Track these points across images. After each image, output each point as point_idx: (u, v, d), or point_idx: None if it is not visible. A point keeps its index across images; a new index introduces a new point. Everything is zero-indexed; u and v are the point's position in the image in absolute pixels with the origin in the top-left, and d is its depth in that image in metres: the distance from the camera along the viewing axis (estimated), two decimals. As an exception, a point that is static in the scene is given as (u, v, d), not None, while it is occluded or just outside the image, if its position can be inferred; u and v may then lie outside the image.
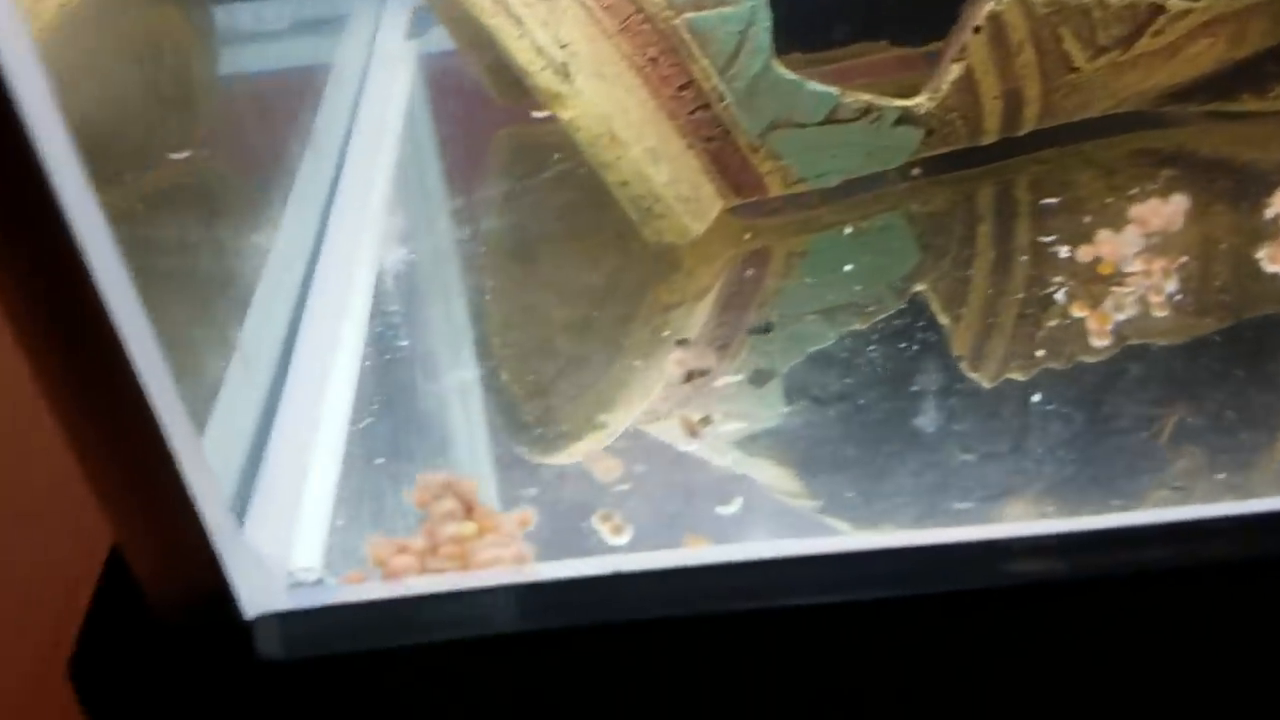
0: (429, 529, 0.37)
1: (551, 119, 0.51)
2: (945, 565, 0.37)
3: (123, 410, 0.32)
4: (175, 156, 0.56)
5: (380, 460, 0.44)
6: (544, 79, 0.49)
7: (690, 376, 0.47)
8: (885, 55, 0.64)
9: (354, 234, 0.56)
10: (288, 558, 0.39)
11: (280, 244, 0.53)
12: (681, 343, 0.49)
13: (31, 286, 0.30)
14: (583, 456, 0.43)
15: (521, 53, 0.49)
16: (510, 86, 0.66)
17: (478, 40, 0.64)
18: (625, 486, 0.43)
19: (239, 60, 0.69)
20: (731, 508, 0.41)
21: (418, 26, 0.79)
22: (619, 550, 0.39)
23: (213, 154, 0.59)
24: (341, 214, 0.57)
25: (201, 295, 0.47)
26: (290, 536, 0.40)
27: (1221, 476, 0.40)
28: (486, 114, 0.69)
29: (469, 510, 0.38)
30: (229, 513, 0.35)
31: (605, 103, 0.50)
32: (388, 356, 0.50)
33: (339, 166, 0.62)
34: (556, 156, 0.64)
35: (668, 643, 0.36)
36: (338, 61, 0.72)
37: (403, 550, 0.37)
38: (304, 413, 0.45)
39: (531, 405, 0.48)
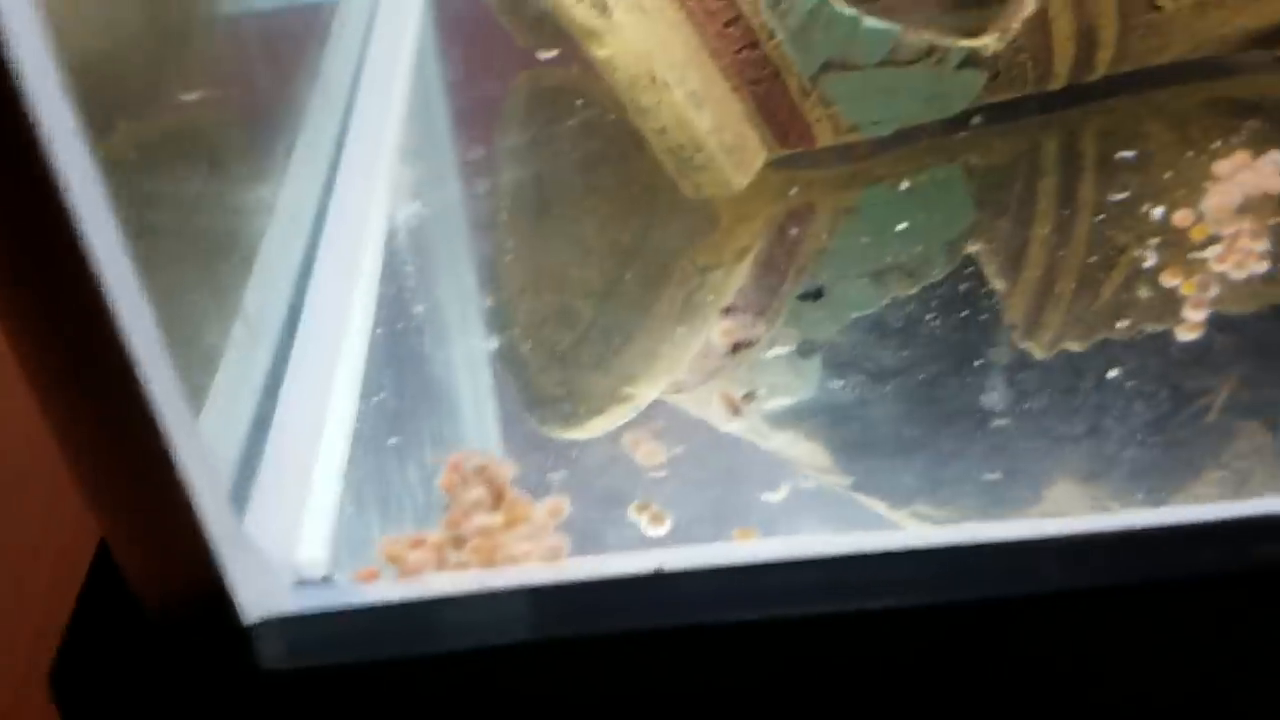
0: (452, 519, 0.33)
1: (568, 61, 0.46)
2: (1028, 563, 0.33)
3: (109, 386, 0.28)
4: (171, 100, 0.51)
5: (394, 440, 0.40)
6: (580, 13, 0.45)
7: (737, 348, 0.43)
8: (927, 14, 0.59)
9: (364, 186, 0.51)
10: (292, 552, 0.35)
11: (286, 197, 0.48)
12: (728, 311, 0.44)
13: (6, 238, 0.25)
14: (624, 438, 0.39)
15: (552, -16, 0.44)
16: (531, 27, 0.61)
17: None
18: (661, 472, 0.38)
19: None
20: (779, 494, 0.37)
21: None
22: (658, 543, 0.35)
23: (212, 98, 0.54)
24: (351, 164, 0.53)
25: (198, 254, 0.42)
26: (295, 528, 0.36)
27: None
28: (502, 57, 0.64)
29: (498, 499, 0.33)
30: (228, 502, 0.31)
31: (645, 39, 0.45)
32: (401, 324, 0.46)
33: (347, 112, 0.57)
34: (580, 103, 0.60)
35: (718, 650, 0.32)
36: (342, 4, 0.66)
37: (418, 544, 0.32)
38: (312, 387, 0.40)
39: (557, 378, 0.44)
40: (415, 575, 0.33)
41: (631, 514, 0.36)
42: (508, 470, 0.33)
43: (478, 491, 0.33)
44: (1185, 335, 0.41)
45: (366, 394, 0.42)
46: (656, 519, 0.36)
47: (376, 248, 0.49)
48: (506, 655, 0.31)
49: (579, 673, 0.31)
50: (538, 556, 0.33)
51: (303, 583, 0.33)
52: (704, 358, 0.43)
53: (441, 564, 0.33)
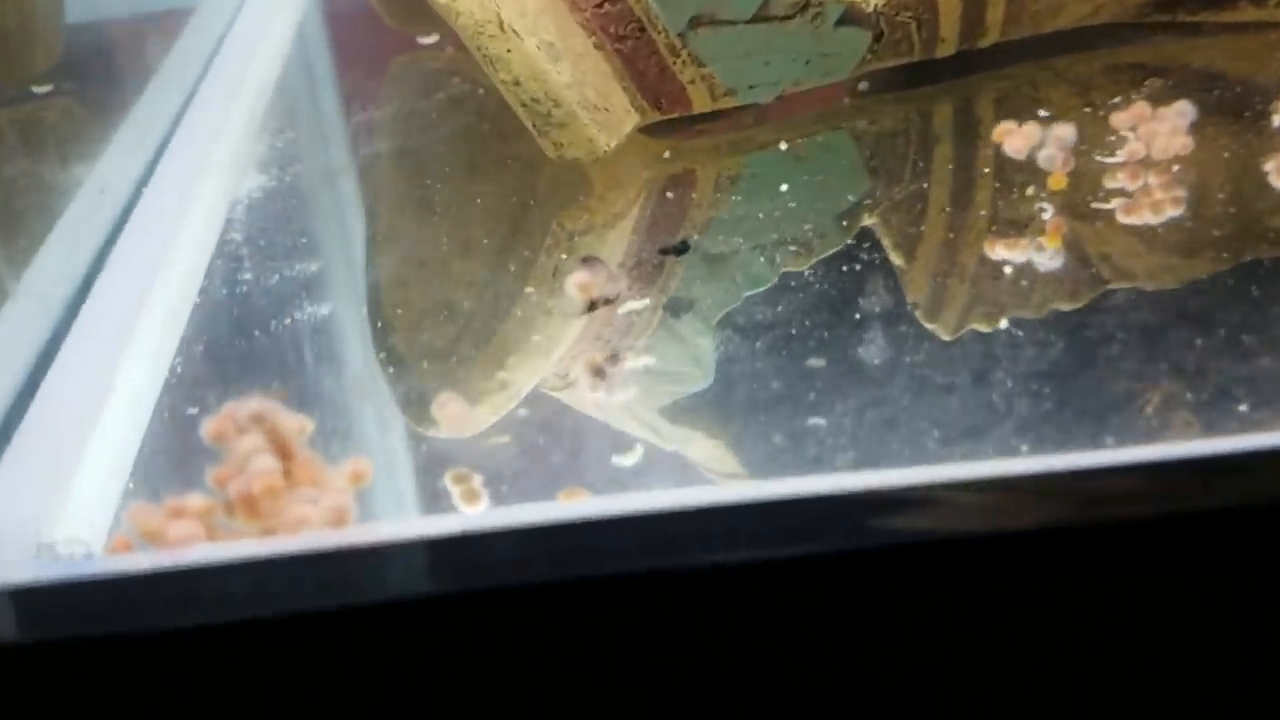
0: (220, 474, 0.28)
1: (446, 46, 0.42)
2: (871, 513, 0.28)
3: None
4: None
5: (194, 410, 0.36)
6: (415, -47, 0.41)
7: (594, 305, 0.38)
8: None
9: (197, 165, 0.47)
10: (46, 525, 0.30)
11: (97, 177, 0.44)
12: (586, 261, 0.40)
13: None
14: (434, 404, 0.34)
15: (387, -78, 0.41)
16: (402, 8, 0.58)
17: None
18: (503, 438, 0.34)
19: (97, 4, 0.62)
20: (631, 458, 0.33)
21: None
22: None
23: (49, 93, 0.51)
24: (183, 146, 0.49)
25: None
26: (54, 501, 0.31)
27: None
28: (385, 45, 0.61)
29: (284, 456, 0.29)
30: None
31: (490, -16, 0.42)
32: (225, 291, 0.42)
33: (187, 99, 0.53)
34: (456, 80, 0.56)
35: (516, 616, 0.27)
36: (206, 3, 0.63)
37: (178, 513, 0.28)
38: (94, 358, 0.36)
39: (402, 347, 0.39)
40: (178, 547, 0.28)
41: (448, 484, 0.32)
42: (299, 424, 0.29)
43: (254, 440, 0.28)
44: (1070, 307, 0.37)
45: (174, 364, 0.38)
46: (471, 495, 0.31)
47: (209, 220, 0.45)
48: (265, 629, 0.26)
49: (352, 645, 0.27)
50: (319, 521, 0.28)
51: (42, 556, 0.28)
52: (568, 318, 0.39)
53: (212, 534, 0.29)
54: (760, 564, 0.27)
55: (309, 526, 0.28)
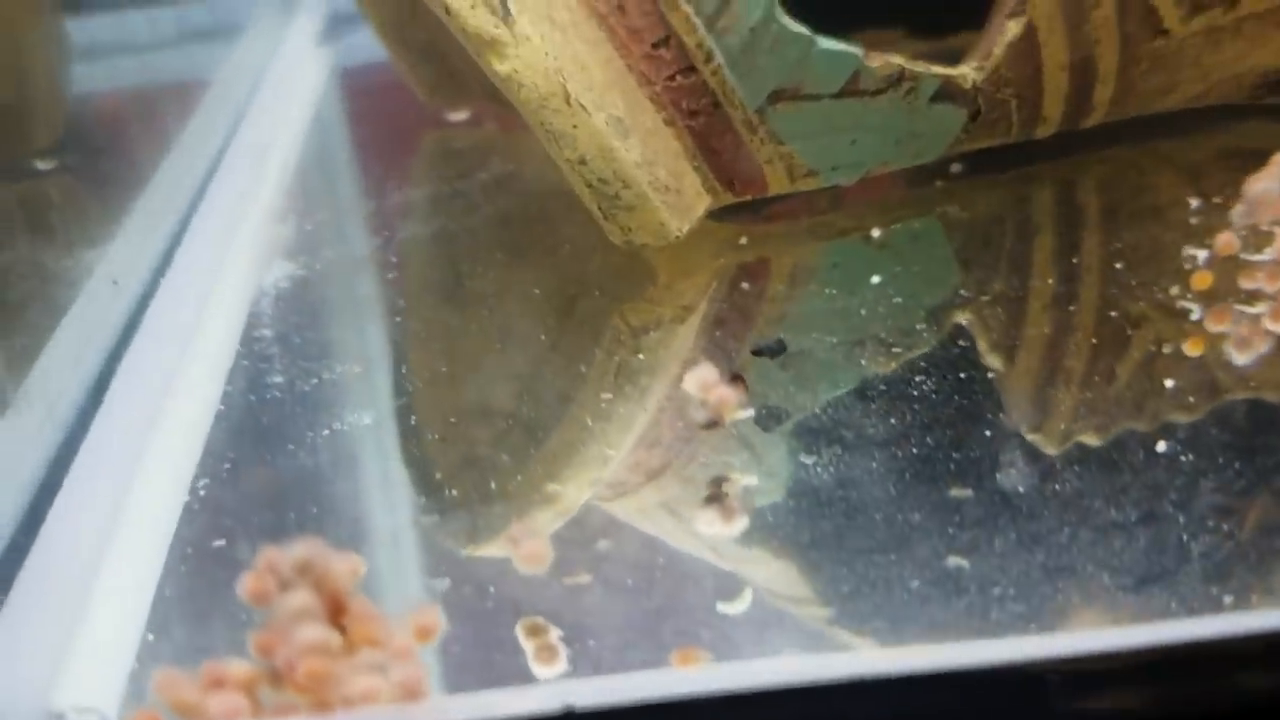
0: (263, 641, 0.23)
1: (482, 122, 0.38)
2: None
3: None
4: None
5: (221, 542, 0.30)
6: (475, 19, 0.37)
7: (715, 421, 0.33)
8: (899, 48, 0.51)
9: (218, 250, 0.42)
10: (49, 690, 0.25)
11: (107, 265, 0.39)
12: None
13: None
14: (509, 538, 0.29)
15: (445, -15, 0.36)
16: (438, 80, 0.53)
17: (396, 16, 0.51)
18: (584, 578, 0.29)
19: (106, 74, 0.57)
20: (739, 604, 0.28)
21: (332, 32, 0.67)
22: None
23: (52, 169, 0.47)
24: (203, 229, 0.44)
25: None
26: (63, 658, 0.26)
27: None
28: (413, 123, 0.57)
29: (337, 611, 0.24)
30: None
31: (558, 55, 0.37)
32: (253, 397, 0.36)
33: (205, 178, 0.48)
34: (495, 160, 0.52)
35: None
36: (222, 75, 0.59)
37: (217, 683, 0.22)
38: (109, 476, 0.31)
39: (453, 464, 0.34)
40: (217, 724, 0.23)
41: (521, 638, 0.26)
42: (350, 568, 0.24)
43: (303, 597, 0.23)
44: (1188, 419, 0.32)
45: (196, 484, 0.32)
46: (547, 653, 0.26)
47: (234, 314, 0.40)
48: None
49: None
50: (389, 695, 0.23)
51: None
52: (647, 445, 0.34)
53: (256, 710, 0.23)
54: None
55: (377, 702, 0.23)
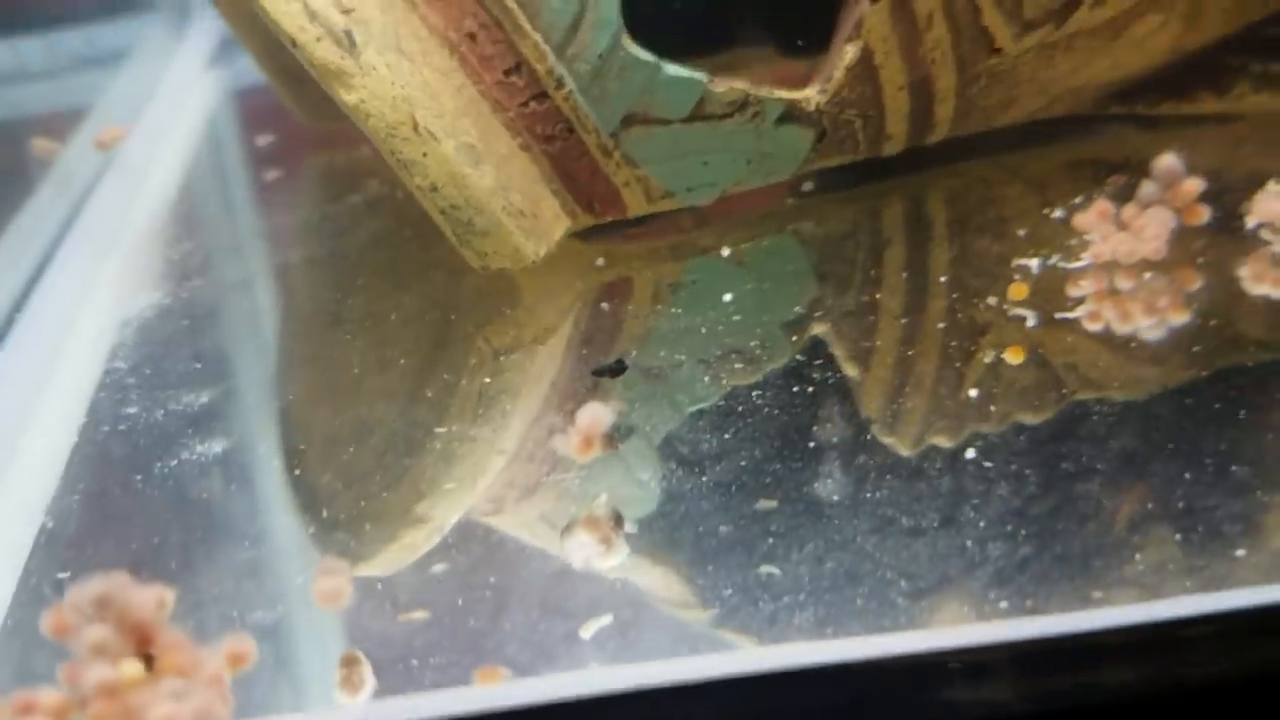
0: (71, 671, 0.24)
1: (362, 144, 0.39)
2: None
3: None
4: None
5: (65, 574, 0.31)
6: (320, 51, 0.37)
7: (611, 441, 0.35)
8: (769, 66, 0.53)
9: (82, 281, 0.43)
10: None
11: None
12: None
13: None
14: (324, 572, 0.29)
15: (288, 18, 0.37)
16: (312, 102, 0.54)
17: (269, 44, 0.52)
18: (421, 614, 0.30)
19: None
20: (596, 626, 0.29)
21: (222, 55, 0.68)
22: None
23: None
24: (67, 260, 0.44)
25: None
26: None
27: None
28: (298, 145, 0.57)
29: (143, 641, 0.24)
30: None
31: (406, 83, 0.38)
32: (106, 428, 0.37)
33: (75, 209, 0.49)
34: (374, 182, 0.53)
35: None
36: (100, 102, 0.59)
37: (27, 709, 0.23)
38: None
39: (311, 490, 0.35)
40: (33, 753, 0.24)
41: (336, 670, 0.27)
42: (156, 599, 0.24)
43: (100, 632, 0.24)
44: (1034, 420, 0.34)
45: (47, 519, 0.33)
46: (351, 684, 0.27)
47: (92, 347, 0.41)
48: None
49: None
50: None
51: None
52: (511, 467, 0.35)
53: (68, 735, 0.24)
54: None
55: (178, 728, 0.24)
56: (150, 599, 0.24)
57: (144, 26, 0.66)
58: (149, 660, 0.24)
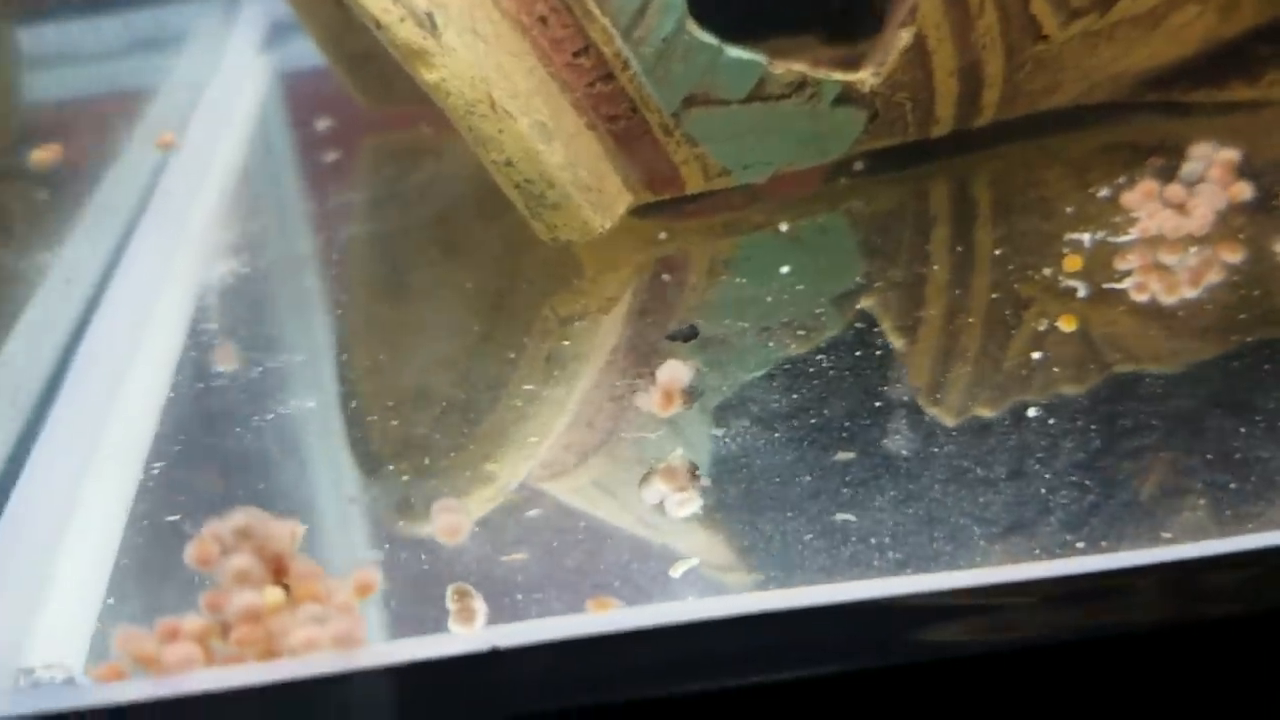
0: (212, 599, 0.26)
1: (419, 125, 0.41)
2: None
3: None
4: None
5: (175, 517, 0.33)
6: (403, 32, 0.39)
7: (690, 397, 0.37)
8: (809, 53, 0.55)
9: (167, 248, 0.45)
10: (22, 650, 0.27)
11: (62, 264, 0.42)
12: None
13: None
14: (443, 509, 0.31)
15: (373, 1, 0.39)
16: (374, 85, 0.56)
17: (332, 27, 0.54)
18: (520, 555, 0.31)
19: (52, 85, 0.59)
20: (684, 567, 0.30)
21: (273, 39, 0.69)
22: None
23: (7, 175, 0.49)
24: (151, 229, 0.46)
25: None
26: (32, 622, 0.28)
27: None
28: (354, 127, 0.59)
29: (279, 571, 0.26)
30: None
31: (482, 64, 0.40)
32: (200, 385, 0.39)
33: (152, 182, 0.50)
34: (432, 161, 0.54)
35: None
36: (166, 83, 0.61)
37: (172, 635, 0.25)
38: (68, 459, 0.33)
39: (393, 445, 0.37)
40: (175, 673, 0.25)
41: (450, 601, 0.29)
42: (290, 531, 0.26)
43: (244, 560, 0.25)
44: (1075, 391, 0.36)
45: (149, 466, 0.35)
46: (465, 614, 0.28)
47: (179, 309, 0.42)
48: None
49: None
50: (327, 643, 0.25)
51: (21, 684, 0.25)
52: (579, 427, 0.37)
53: (209, 658, 0.26)
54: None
55: (317, 650, 0.25)
56: (285, 531, 0.26)
57: (197, 11, 0.68)
58: (286, 589, 0.26)
